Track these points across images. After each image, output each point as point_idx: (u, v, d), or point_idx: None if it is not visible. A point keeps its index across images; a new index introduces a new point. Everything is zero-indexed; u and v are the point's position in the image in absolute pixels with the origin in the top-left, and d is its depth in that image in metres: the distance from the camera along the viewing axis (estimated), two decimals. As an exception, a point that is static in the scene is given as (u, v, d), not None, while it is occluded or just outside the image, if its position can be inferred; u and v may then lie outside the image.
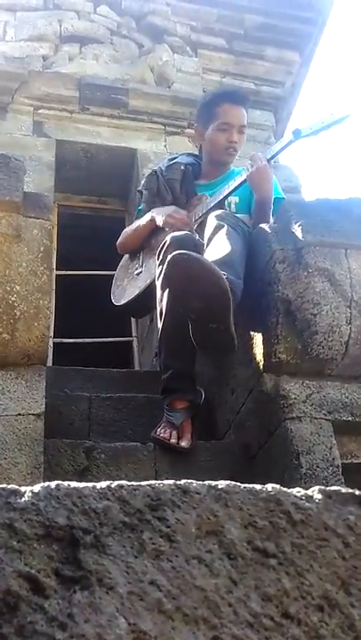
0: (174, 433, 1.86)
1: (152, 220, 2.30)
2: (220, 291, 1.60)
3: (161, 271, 1.95)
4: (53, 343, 3.23)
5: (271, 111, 4.18)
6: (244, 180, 2.12)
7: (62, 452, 1.73)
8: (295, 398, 1.75)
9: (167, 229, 2.18)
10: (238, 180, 2.15)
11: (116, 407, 2.10)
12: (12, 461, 1.45)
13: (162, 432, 1.87)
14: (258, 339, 1.84)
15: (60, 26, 4.00)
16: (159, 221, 2.26)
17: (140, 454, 1.82)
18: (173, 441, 1.84)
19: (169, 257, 1.65)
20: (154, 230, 2.31)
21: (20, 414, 1.55)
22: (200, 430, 1.97)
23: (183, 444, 1.85)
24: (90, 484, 0.57)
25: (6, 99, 3.64)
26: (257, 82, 4.20)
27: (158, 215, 2.27)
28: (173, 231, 2.07)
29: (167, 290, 1.89)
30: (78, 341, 3.37)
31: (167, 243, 1.96)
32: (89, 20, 4.08)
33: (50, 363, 3.06)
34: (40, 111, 3.70)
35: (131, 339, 3.47)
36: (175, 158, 2.49)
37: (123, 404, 2.12)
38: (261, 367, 1.80)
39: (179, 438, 1.85)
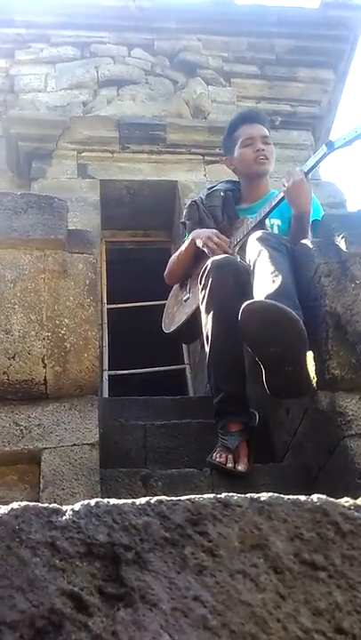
0: (230, 457, 1.83)
1: (192, 243, 2.33)
2: (297, 335, 1.59)
3: (204, 296, 1.96)
4: (109, 376, 3.27)
5: (309, 130, 4.18)
6: (283, 197, 2.12)
7: (119, 481, 1.73)
8: (353, 414, 1.70)
9: (208, 254, 2.19)
10: (277, 198, 2.14)
11: (171, 434, 2.09)
12: (69, 492, 1.47)
13: (217, 457, 1.85)
14: (309, 355, 1.80)
15: (97, 72, 4.19)
16: (199, 243, 2.28)
17: (196, 480, 1.80)
18: (230, 465, 1.81)
19: (244, 305, 1.65)
20: (199, 257, 2.33)
21: (75, 444, 1.57)
22: (258, 453, 1.93)
23: (240, 467, 1.81)
24: (129, 501, 0.57)
25: (51, 145, 3.81)
26: (293, 103, 4.23)
27: (198, 238, 2.29)
28: (214, 256, 2.08)
29: (213, 319, 1.87)
30: (132, 372, 3.41)
31: (208, 267, 1.97)
32: (124, 64, 4.25)
33: (106, 395, 3.10)
34: (83, 154, 3.85)
35: (183, 366, 3.47)
36: (214, 186, 2.52)
37: (177, 430, 2.11)
38: (315, 384, 1.76)
39: (235, 462, 1.82)
